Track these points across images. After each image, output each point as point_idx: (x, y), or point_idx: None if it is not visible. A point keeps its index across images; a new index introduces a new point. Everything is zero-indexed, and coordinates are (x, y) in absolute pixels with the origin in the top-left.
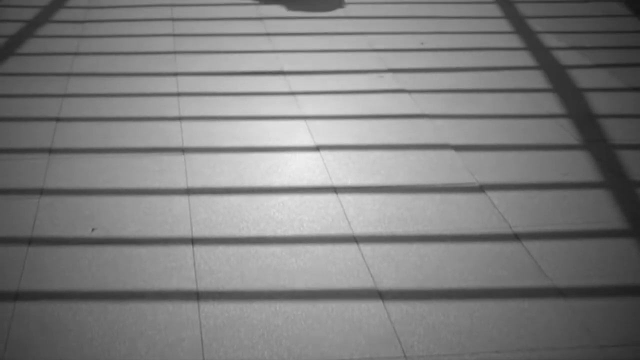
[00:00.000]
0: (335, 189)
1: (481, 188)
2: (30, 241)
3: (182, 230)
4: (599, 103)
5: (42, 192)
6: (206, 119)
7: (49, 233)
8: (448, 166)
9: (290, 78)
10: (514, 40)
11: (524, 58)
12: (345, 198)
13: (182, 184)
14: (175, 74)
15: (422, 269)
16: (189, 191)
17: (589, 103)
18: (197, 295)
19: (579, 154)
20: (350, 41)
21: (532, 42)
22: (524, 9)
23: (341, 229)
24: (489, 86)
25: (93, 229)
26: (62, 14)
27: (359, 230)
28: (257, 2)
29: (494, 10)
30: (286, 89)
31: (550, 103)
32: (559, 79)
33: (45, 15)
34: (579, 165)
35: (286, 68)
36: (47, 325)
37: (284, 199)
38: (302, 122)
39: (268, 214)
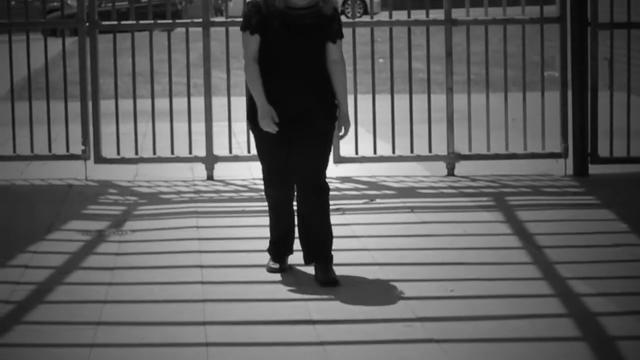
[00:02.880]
0: None
1: None
2: None
3: None
4: (632, 351)
5: None
6: None
7: None
8: None
9: (319, 327)
10: (543, 287)
11: (553, 305)
12: None
13: None
14: (204, 323)
15: None
16: None
17: (620, 352)
18: None
19: None
20: (377, 289)
21: (560, 289)
22: (553, 254)
23: None
24: (519, 335)
25: None
26: (92, 261)
27: None
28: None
29: (522, 256)
30: (314, 339)
31: (580, 353)
32: (588, 327)
33: (74, 262)
34: None
35: (315, 317)
36: None
37: None
38: None
39: None
